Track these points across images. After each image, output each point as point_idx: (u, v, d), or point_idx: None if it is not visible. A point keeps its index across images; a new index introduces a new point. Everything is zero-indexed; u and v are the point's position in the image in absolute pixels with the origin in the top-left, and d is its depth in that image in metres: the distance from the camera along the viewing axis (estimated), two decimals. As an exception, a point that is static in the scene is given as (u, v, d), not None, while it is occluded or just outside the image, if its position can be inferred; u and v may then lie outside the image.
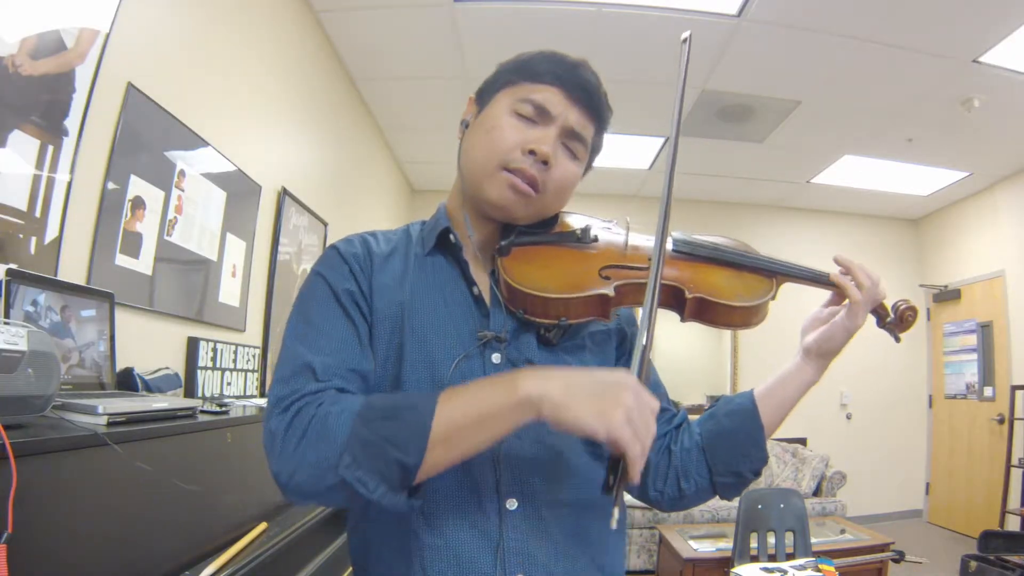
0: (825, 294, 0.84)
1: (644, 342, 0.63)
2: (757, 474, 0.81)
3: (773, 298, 0.80)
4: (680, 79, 0.73)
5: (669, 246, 0.81)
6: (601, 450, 0.78)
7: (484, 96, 0.80)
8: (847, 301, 0.79)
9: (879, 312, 0.83)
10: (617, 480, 0.58)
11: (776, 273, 0.82)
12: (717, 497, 0.83)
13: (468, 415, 0.59)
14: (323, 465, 0.58)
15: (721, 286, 0.78)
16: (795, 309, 1.33)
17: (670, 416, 0.85)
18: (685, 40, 0.72)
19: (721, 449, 0.79)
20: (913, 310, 0.83)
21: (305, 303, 0.73)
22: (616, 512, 0.59)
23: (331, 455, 0.58)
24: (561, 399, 0.57)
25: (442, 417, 0.59)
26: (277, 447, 0.61)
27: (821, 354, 0.81)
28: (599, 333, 0.82)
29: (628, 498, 0.86)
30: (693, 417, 0.86)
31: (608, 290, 0.74)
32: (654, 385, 0.87)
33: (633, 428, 0.56)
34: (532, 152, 0.73)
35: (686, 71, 0.74)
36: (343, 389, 0.66)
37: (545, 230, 0.81)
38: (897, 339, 0.86)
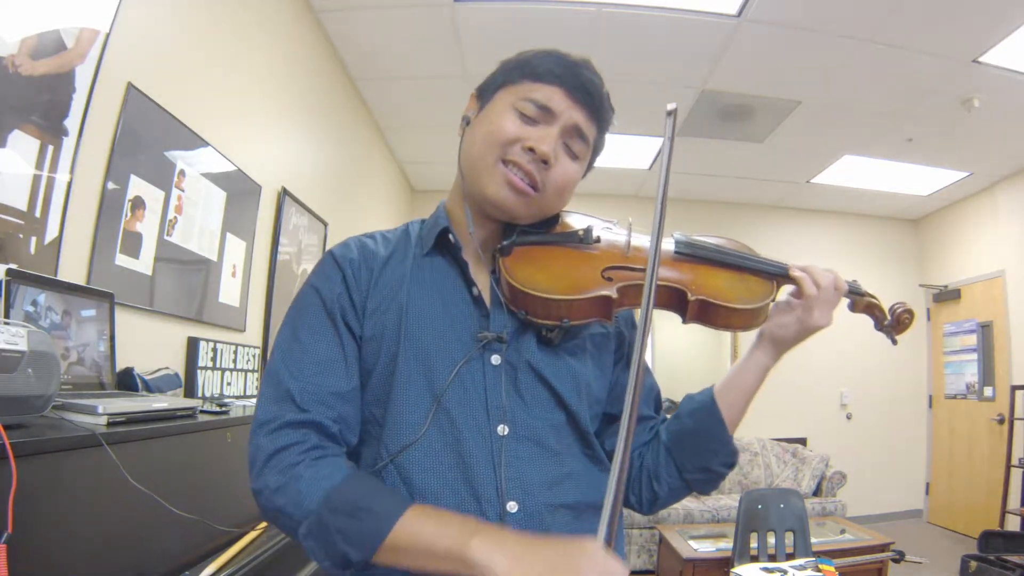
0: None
1: (620, 455, 0.58)
2: (729, 467, 0.81)
3: (773, 300, 0.80)
4: (665, 152, 0.69)
5: (671, 247, 0.81)
6: (598, 453, 0.78)
7: (486, 93, 0.80)
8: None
9: (876, 315, 0.84)
10: None
11: (776, 275, 0.81)
12: (698, 494, 0.83)
13: (418, 544, 0.60)
14: (287, 520, 0.65)
15: (723, 288, 0.78)
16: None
17: (651, 426, 0.85)
18: (671, 113, 0.68)
19: (686, 448, 0.80)
20: (910, 313, 0.84)
21: (297, 314, 0.75)
22: None
23: (295, 516, 0.64)
24: (504, 573, 0.54)
25: (398, 533, 0.60)
26: (256, 470, 0.67)
27: (773, 341, 0.81)
28: (599, 336, 0.82)
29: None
30: None
31: (611, 291, 0.74)
32: (647, 389, 0.87)
33: None
34: (531, 150, 0.73)
35: (671, 143, 0.69)
36: (321, 424, 0.68)
37: (547, 230, 0.80)
38: (894, 341, 0.86)
